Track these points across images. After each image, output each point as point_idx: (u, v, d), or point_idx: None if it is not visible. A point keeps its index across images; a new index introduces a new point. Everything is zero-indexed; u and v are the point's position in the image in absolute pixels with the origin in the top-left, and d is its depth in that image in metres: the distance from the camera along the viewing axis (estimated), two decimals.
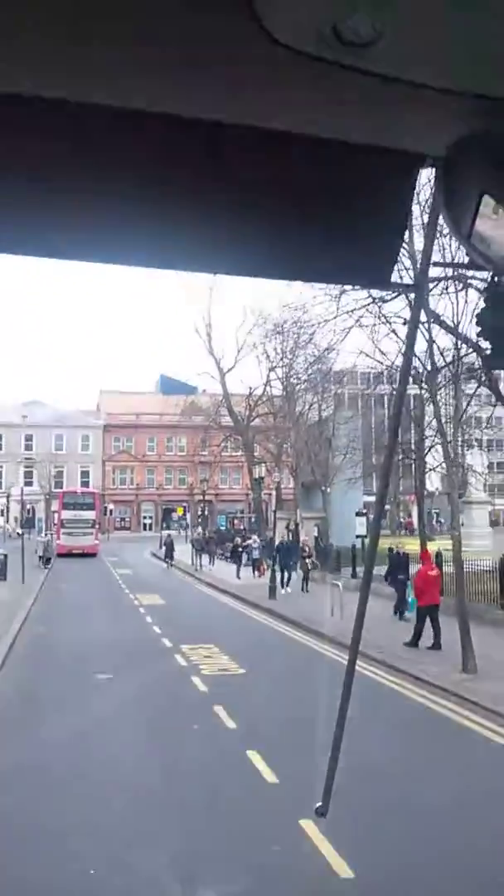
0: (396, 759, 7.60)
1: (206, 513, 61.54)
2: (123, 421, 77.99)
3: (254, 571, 25.88)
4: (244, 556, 26.90)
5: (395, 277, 1.14)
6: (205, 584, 26.89)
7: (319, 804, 1.50)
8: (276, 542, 26.57)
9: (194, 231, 0.93)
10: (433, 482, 75.46)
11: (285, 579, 23.22)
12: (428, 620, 13.30)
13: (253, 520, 65.07)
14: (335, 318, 22.99)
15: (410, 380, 29.88)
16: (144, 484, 78.43)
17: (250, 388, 44.55)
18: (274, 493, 26.31)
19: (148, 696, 10.07)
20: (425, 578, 14.01)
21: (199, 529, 45.51)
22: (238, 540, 28.71)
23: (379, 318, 20.91)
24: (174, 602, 21.79)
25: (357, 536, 32.41)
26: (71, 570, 32.54)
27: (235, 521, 64.19)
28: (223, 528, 57.40)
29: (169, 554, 37.41)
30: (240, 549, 27.42)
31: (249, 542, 27.42)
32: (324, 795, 1.48)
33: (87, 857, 5.12)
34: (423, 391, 28.50)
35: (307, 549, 24.67)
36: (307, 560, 23.78)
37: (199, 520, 67.12)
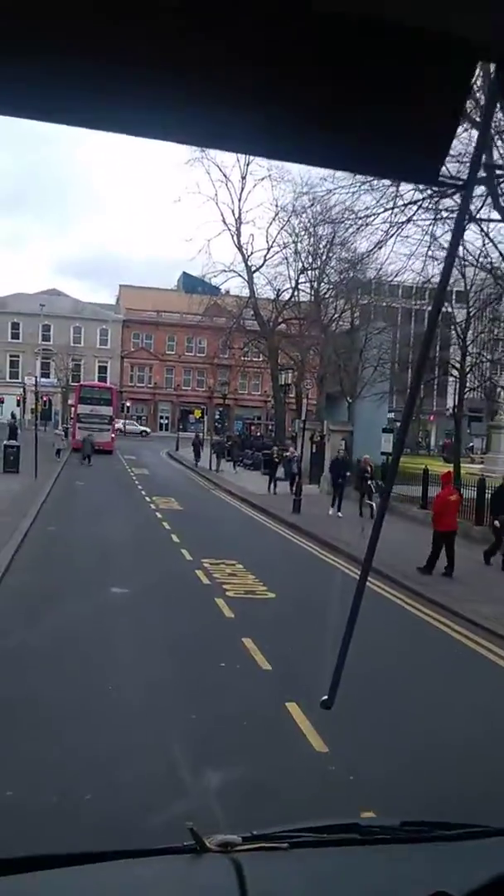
0: (394, 666, 7.68)
1: (224, 417, 60.39)
2: (143, 317, 75.88)
3: (291, 486, 22.71)
4: (280, 469, 24.77)
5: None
6: (224, 492, 25.89)
7: (325, 697, 1.54)
8: (333, 457, 23.89)
9: (228, 108, 0.88)
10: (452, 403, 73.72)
11: (338, 500, 20.56)
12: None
13: (271, 428, 64.16)
14: (383, 212, 20.95)
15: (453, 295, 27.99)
16: (162, 383, 77.08)
17: (278, 291, 42.32)
18: (304, 401, 24.65)
19: (168, 620, 8.99)
20: (445, 503, 13.16)
21: (219, 434, 44.54)
22: (275, 450, 26.36)
23: (436, 213, 19.03)
24: (193, 509, 20.80)
25: (382, 454, 31.21)
26: (85, 468, 31.65)
27: (252, 428, 63.11)
28: (239, 433, 56.29)
29: (197, 454, 36.57)
30: (276, 461, 25.12)
31: (288, 453, 25.58)
32: (330, 689, 1.55)
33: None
34: (467, 307, 26.66)
35: (369, 468, 21.25)
36: (369, 482, 20.74)
37: (217, 424, 66.26)
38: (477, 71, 0.93)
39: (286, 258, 43.37)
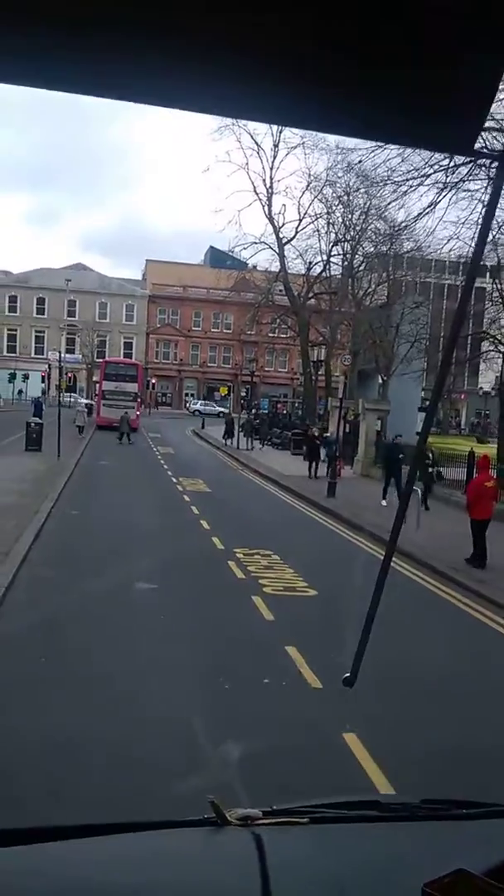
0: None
1: (250, 395, 59.27)
2: (169, 292, 74.70)
3: (327, 469, 20.91)
4: (321, 451, 22.70)
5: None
6: (253, 472, 24.88)
7: (347, 675, 1.61)
8: (387, 440, 22.15)
9: (258, 78, 0.86)
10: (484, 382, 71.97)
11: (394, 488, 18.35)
12: None
13: (297, 405, 62.88)
14: (424, 178, 19.58)
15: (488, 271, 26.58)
16: (188, 360, 76.12)
17: (309, 264, 40.86)
18: (342, 378, 23.33)
19: (202, 623, 8.00)
20: (480, 489, 12.19)
21: (248, 411, 43.47)
22: (315, 431, 24.55)
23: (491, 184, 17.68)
24: (222, 491, 19.82)
25: (417, 434, 29.93)
26: (110, 445, 30.82)
27: (279, 406, 61.86)
28: (265, 411, 55.12)
29: (229, 432, 35.55)
30: (317, 441, 23.19)
31: (328, 434, 24.14)
32: (353, 666, 1.61)
33: None
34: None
35: (431, 454, 19.33)
36: (431, 470, 19.14)
37: (242, 401, 65.12)
38: None
39: (317, 230, 41.92)
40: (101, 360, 52.97)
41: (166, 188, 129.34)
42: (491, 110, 0.97)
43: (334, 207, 37.56)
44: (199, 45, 0.81)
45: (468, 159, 15.55)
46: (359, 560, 11.95)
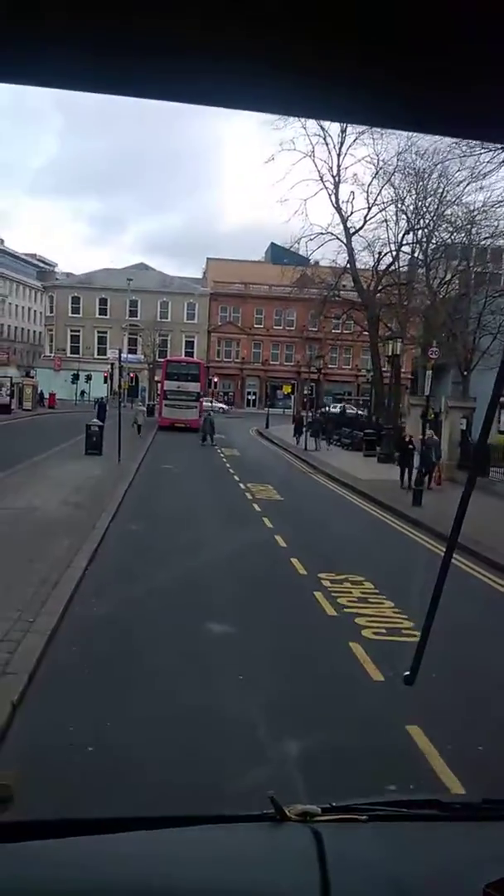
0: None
1: (315, 392, 57.29)
2: (231, 290, 73.43)
3: (428, 479, 18.70)
4: (416, 458, 19.15)
5: None
6: (325, 476, 23.06)
7: (407, 673, 1.70)
8: (473, 440, 20.55)
9: (304, 70, 0.84)
10: None
11: None
12: None
13: (361, 402, 60.62)
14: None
15: None
16: (250, 358, 74.73)
17: (379, 254, 38.70)
18: (427, 373, 21.23)
19: (293, 688, 6.22)
20: None
21: (316, 410, 41.66)
22: (408, 436, 21.36)
23: None
24: (294, 499, 18.09)
25: (501, 432, 27.61)
26: (172, 447, 29.49)
27: (345, 403, 59.79)
28: (334, 409, 53.21)
29: (299, 430, 33.57)
30: (411, 446, 19.86)
31: (426, 436, 21.34)
32: (413, 664, 1.68)
33: None
34: None
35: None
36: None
37: (306, 400, 63.31)
38: None
39: (385, 220, 39.74)
40: (162, 359, 51.93)
41: (229, 186, 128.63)
42: None
43: (405, 193, 35.44)
44: (233, 38, 0.79)
45: None
46: (470, 590, 10.06)
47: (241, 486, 19.44)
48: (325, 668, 6.77)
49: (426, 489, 18.22)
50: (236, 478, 21.12)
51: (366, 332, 43.55)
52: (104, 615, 7.77)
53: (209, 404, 60.81)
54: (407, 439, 19.50)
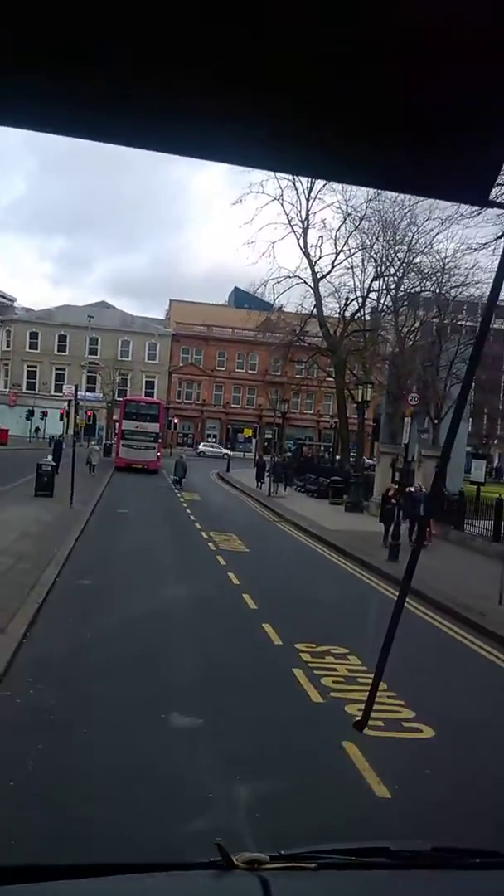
0: None
1: (277, 437, 56.39)
2: (194, 331, 72.75)
3: (410, 533, 16.81)
4: (397, 513, 16.76)
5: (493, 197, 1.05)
6: (291, 525, 21.81)
7: (359, 719, 1.74)
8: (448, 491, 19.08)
9: (272, 129, 0.88)
10: None
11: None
12: None
13: (322, 449, 59.96)
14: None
15: None
16: (211, 400, 73.79)
17: (346, 300, 38.32)
18: (407, 420, 20.27)
19: (275, 802, 4.89)
20: None
21: (278, 455, 40.55)
22: (392, 489, 18.72)
23: None
24: (261, 551, 16.75)
25: (473, 483, 26.82)
26: (128, 491, 27.97)
27: (304, 449, 58.90)
28: (290, 455, 52.28)
29: (260, 476, 32.66)
30: (394, 501, 17.39)
31: (413, 489, 19.21)
32: (364, 712, 1.76)
33: None
34: None
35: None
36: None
37: (266, 444, 62.35)
38: None
39: (350, 267, 39.48)
40: (121, 398, 50.49)
41: (196, 229, 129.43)
42: None
43: (375, 240, 35.21)
44: (207, 95, 0.82)
45: None
46: (468, 665, 8.85)
47: (204, 534, 18.05)
48: (318, 780, 5.41)
49: (413, 546, 17.06)
50: (198, 525, 19.72)
51: (329, 378, 42.97)
52: (37, 706, 6.30)
53: (208, 448, 59.50)
54: (391, 493, 17.97)
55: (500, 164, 0.93)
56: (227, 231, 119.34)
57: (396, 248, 34.07)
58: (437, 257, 32.50)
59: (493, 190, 1.07)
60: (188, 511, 23.22)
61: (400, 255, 34.14)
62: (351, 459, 36.79)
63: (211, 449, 60.50)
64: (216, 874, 1.42)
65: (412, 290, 33.36)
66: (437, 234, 29.38)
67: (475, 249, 28.82)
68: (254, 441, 68.19)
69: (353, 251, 37.25)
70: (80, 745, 5.57)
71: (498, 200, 1.16)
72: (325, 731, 6.20)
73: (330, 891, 1.50)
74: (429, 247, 33.42)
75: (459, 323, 33.93)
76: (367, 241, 35.50)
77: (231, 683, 7.32)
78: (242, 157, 1.00)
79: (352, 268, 39.22)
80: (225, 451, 62.93)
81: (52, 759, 5.27)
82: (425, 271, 32.83)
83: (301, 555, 17.09)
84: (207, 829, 4.21)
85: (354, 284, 37.79)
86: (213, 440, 68.89)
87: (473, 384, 31.95)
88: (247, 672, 7.81)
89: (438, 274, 31.69)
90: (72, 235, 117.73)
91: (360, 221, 35.43)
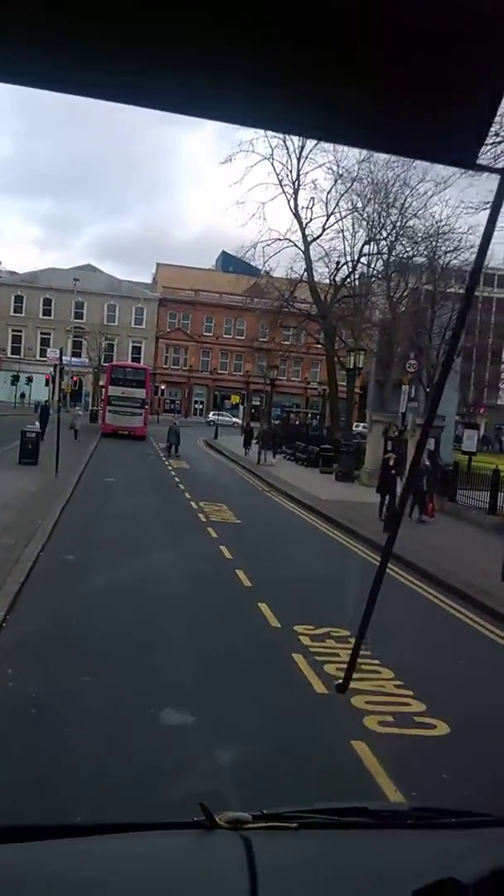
0: None
1: (265, 404, 55.74)
2: (181, 296, 71.41)
3: (420, 511, 17.14)
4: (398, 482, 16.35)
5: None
6: (282, 495, 21.29)
7: (340, 681, 1.82)
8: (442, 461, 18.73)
9: (257, 83, 0.86)
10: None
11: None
12: None
13: (310, 416, 59.38)
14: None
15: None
16: (198, 366, 72.81)
17: (336, 263, 37.43)
18: (405, 387, 19.64)
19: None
20: None
21: (265, 422, 39.92)
22: (392, 457, 17.48)
23: None
24: (253, 522, 16.26)
25: (464, 453, 26.43)
26: (115, 459, 27.32)
27: (292, 416, 58.37)
28: (277, 422, 51.75)
29: (248, 443, 32.29)
30: (394, 472, 16.69)
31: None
32: (346, 674, 1.71)
33: None
34: None
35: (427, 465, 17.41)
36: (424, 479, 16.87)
37: (254, 411, 61.62)
38: None
39: (341, 231, 38.55)
40: (107, 363, 49.53)
41: (185, 193, 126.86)
42: (494, 124, 0.93)
43: (367, 202, 34.24)
44: (202, 48, 0.81)
45: None
46: (481, 650, 8.41)
47: (194, 505, 17.51)
48: (329, 789, 4.91)
49: (417, 521, 16.57)
50: (187, 495, 19.17)
51: (318, 345, 42.25)
52: (21, 696, 5.76)
53: (217, 417, 58.15)
54: (392, 462, 17.24)
55: (489, 124, 0.91)
56: (217, 195, 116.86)
57: (389, 210, 33.21)
58: (431, 221, 31.74)
59: (484, 152, 1.04)
60: (177, 480, 22.65)
61: (392, 218, 33.31)
62: (340, 427, 36.33)
63: (221, 418, 58.87)
64: (199, 834, 1.43)
65: (404, 255, 32.53)
66: (432, 195, 28.37)
67: (476, 209, 27.89)
68: (241, 408, 67.52)
69: (344, 214, 36.35)
70: (62, 743, 5.05)
71: (486, 164, 1.10)
72: (334, 729, 5.70)
73: (311, 850, 1.50)
74: (423, 209, 32.61)
75: (449, 290, 33.28)
76: (360, 202, 34.59)
77: (227, 673, 6.81)
78: (232, 114, 0.97)
79: (342, 231, 38.36)
80: (236, 419, 61.58)
81: (34, 755, 4.76)
82: (419, 236, 32.06)
83: (294, 526, 16.60)
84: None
85: (345, 249, 36.95)
86: (228, 411, 66.32)
87: (461, 353, 31.45)
88: (244, 659, 7.30)
89: (431, 238, 30.94)
90: (59, 198, 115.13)
91: (352, 183, 34.46)
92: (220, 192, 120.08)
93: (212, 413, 65.42)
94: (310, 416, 61.86)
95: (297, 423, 53.73)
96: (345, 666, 6.75)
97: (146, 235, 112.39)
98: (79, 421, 32.85)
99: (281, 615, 8.67)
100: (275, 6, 0.77)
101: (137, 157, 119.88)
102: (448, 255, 31.76)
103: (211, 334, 73.19)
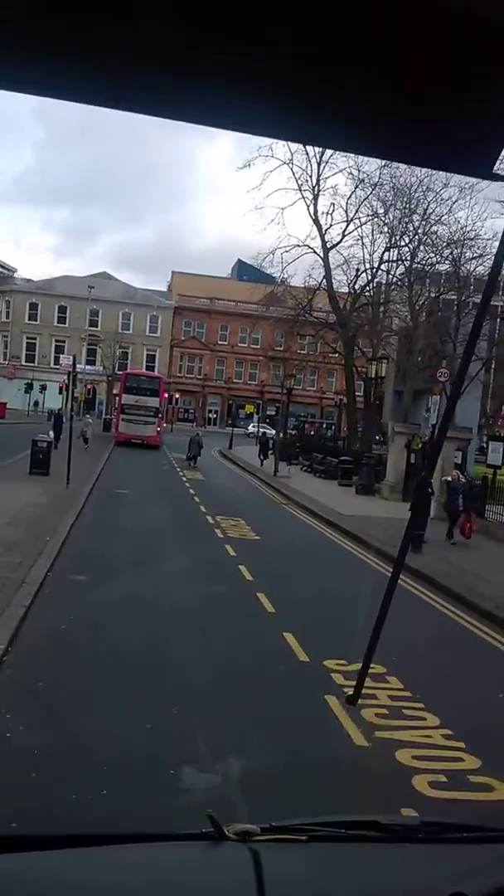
0: None
1: (281, 413, 55.04)
2: (196, 304, 70.94)
3: (451, 530, 16.11)
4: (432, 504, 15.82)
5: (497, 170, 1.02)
6: (301, 509, 20.51)
7: (351, 693, 1.97)
8: (467, 477, 17.72)
9: (278, 94, 0.86)
10: None
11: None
12: None
13: (324, 426, 58.52)
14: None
15: None
16: (212, 375, 72.24)
17: (356, 270, 36.70)
18: (434, 397, 18.88)
19: None
20: None
21: (284, 432, 39.15)
22: (456, 474, 16.99)
23: None
24: (272, 539, 15.47)
25: (489, 466, 25.55)
26: (129, 469, 26.66)
27: (307, 426, 57.60)
28: (293, 431, 50.99)
29: (265, 453, 31.26)
30: (431, 490, 15.89)
31: (450, 478, 16.51)
32: (356, 686, 1.79)
33: None
34: None
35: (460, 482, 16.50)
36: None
37: (268, 421, 60.88)
38: None
39: (360, 238, 37.87)
40: (121, 371, 48.99)
41: (202, 202, 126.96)
42: None
43: (388, 207, 33.52)
44: (219, 62, 0.81)
45: None
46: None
47: (210, 519, 16.78)
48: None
49: (451, 543, 15.70)
50: (203, 508, 18.44)
51: (334, 354, 41.46)
52: (19, 752, 5.04)
53: (255, 428, 56.50)
54: (449, 480, 16.55)
55: None
56: (233, 204, 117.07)
57: (411, 216, 32.49)
58: (455, 227, 30.99)
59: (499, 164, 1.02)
60: (191, 492, 21.94)
61: (414, 224, 32.57)
62: (357, 437, 35.52)
63: (263, 428, 57.02)
64: (208, 845, 1.42)
65: (427, 262, 31.77)
66: (456, 201, 27.63)
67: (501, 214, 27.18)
68: (255, 417, 66.79)
69: (364, 220, 35.62)
70: (65, 806, 4.32)
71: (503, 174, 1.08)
72: (380, 792, 4.93)
73: (320, 863, 1.49)
74: (448, 214, 31.87)
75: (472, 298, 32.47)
76: (380, 208, 33.86)
77: (251, 719, 6.05)
78: (246, 125, 0.97)
79: (362, 238, 37.65)
80: (271, 431, 59.88)
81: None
82: (442, 242, 31.31)
83: (316, 544, 15.82)
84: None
85: (364, 256, 36.21)
86: (267, 422, 64.16)
87: (485, 364, 30.57)
88: (270, 701, 6.55)
89: (455, 244, 30.18)
90: (77, 208, 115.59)
91: (373, 188, 33.75)
92: (237, 202, 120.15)
93: (252, 425, 63.43)
94: (324, 426, 61.05)
95: (312, 433, 52.95)
96: (385, 713, 5.99)
97: (162, 244, 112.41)
98: (89, 429, 32.28)
99: (309, 647, 7.91)
100: (283, 12, 0.76)
101: (155, 166, 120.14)
102: (473, 261, 31.03)
103: (226, 343, 72.70)
